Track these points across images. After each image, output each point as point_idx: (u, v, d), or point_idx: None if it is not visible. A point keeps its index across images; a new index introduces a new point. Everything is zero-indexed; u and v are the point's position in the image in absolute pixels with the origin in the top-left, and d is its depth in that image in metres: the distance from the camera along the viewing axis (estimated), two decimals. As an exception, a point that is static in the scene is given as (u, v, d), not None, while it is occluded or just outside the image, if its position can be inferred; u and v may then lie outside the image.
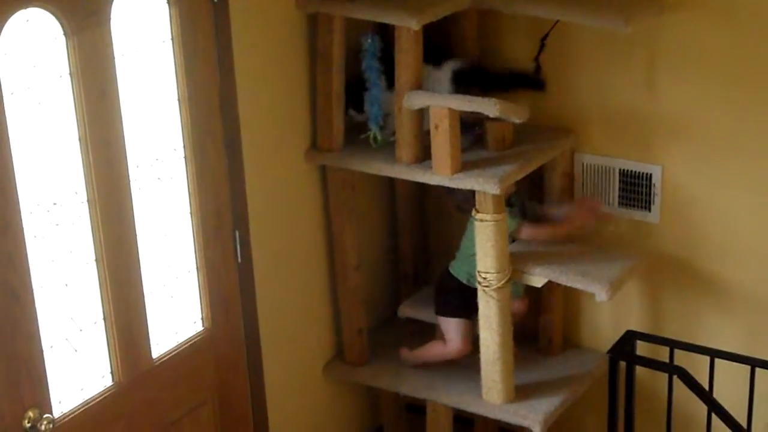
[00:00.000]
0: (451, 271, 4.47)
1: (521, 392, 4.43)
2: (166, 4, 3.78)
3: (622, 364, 4.28)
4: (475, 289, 4.32)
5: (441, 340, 4.59)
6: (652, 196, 4.48)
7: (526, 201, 4.47)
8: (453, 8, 4.25)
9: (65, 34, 3.45)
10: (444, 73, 4.32)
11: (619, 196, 4.55)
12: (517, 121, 4.16)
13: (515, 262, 4.28)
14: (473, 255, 4.27)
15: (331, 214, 4.54)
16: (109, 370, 3.79)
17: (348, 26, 4.28)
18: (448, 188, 4.28)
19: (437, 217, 4.92)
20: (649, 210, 4.51)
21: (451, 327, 4.51)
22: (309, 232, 4.54)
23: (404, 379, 4.63)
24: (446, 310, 4.51)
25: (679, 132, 4.36)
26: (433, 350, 4.60)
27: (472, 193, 4.18)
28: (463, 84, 4.29)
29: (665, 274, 4.56)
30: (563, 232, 4.43)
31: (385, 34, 4.34)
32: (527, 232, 4.38)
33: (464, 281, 4.42)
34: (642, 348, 4.44)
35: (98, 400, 3.73)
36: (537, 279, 4.32)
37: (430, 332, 4.68)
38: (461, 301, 4.44)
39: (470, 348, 4.49)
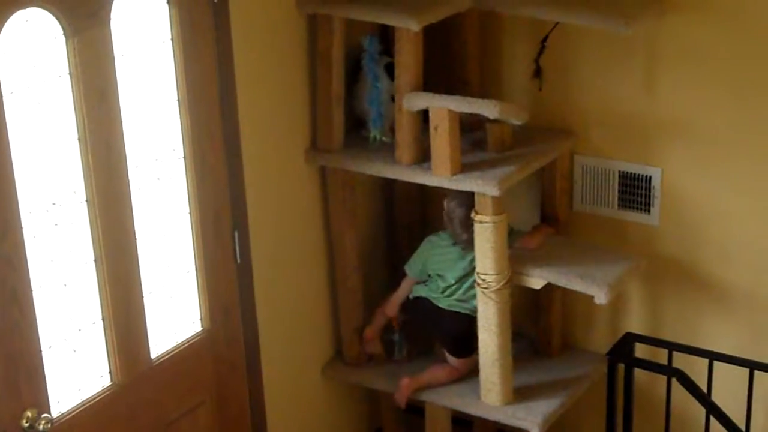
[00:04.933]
0: (442, 305, 4.44)
1: (520, 394, 4.43)
2: (166, 5, 3.78)
3: (621, 366, 4.28)
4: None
5: (443, 364, 4.56)
6: (651, 199, 4.48)
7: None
8: (453, 9, 4.24)
9: (65, 34, 3.45)
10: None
11: (619, 199, 4.55)
12: (517, 122, 4.16)
13: (514, 263, 4.28)
14: (460, 278, 4.35)
15: (331, 215, 4.54)
16: (108, 370, 3.79)
17: (348, 27, 4.28)
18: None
19: (437, 218, 4.91)
20: (649, 212, 4.50)
21: (465, 362, 4.52)
22: (308, 232, 4.54)
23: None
24: (465, 352, 4.50)
25: (679, 134, 4.36)
26: (439, 377, 4.55)
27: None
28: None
29: (664, 276, 4.56)
30: (550, 232, 4.51)
31: (385, 35, 4.34)
32: (530, 242, 4.41)
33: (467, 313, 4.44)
34: (641, 350, 4.44)
35: (96, 400, 3.73)
36: (536, 281, 4.32)
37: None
38: (475, 338, 4.44)
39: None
